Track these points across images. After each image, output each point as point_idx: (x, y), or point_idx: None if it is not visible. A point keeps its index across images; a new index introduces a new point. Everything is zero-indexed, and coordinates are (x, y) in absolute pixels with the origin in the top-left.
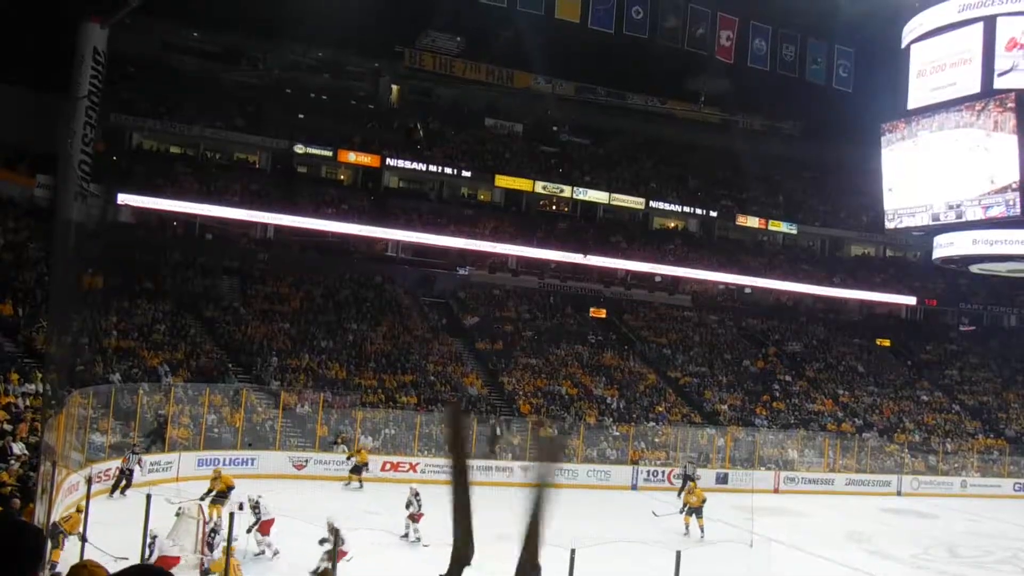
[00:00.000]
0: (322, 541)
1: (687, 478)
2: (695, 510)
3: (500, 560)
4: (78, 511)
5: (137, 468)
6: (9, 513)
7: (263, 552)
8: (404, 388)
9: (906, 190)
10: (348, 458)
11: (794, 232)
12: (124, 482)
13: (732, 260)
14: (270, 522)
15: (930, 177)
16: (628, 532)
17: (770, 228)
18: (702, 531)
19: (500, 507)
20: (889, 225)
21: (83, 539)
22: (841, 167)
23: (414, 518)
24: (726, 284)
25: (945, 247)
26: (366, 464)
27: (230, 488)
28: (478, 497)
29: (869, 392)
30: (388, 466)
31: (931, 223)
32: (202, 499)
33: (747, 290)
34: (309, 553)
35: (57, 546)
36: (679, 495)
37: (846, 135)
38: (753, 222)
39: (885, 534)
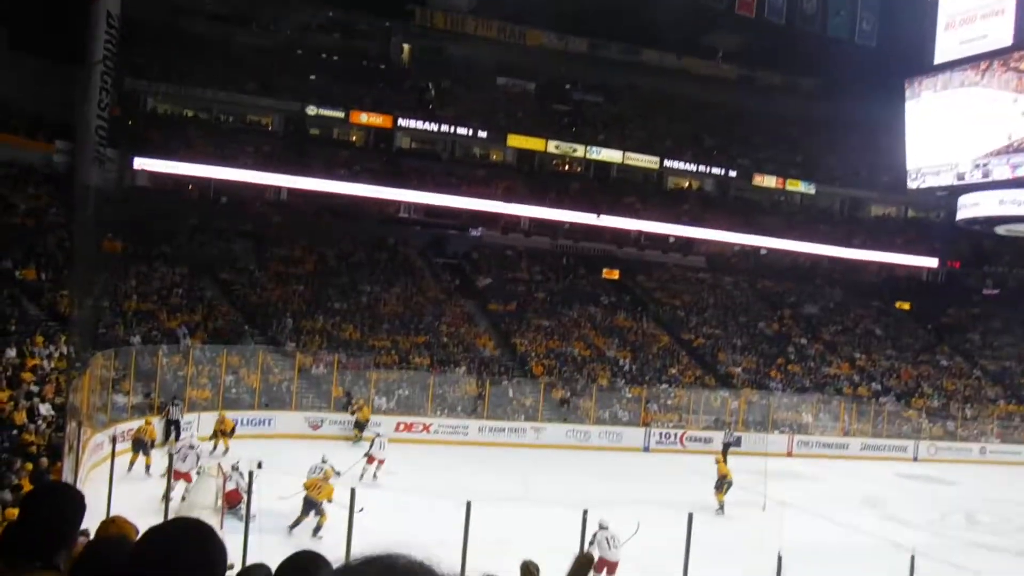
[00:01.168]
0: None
1: (726, 446)
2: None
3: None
4: (147, 423)
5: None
6: (40, 473)
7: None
8: (417, 349)
9: (930, 148)
10: (351, 414)
11: (812, 192)
12: (174, 432)
13: (748, 221)
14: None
15: (956, 135)
16: (640, 494)
17: (787, 188)
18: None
19: (510, 470)
20: (912, 184)
21: (109, 495)
22: (862, 125)
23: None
24: (742, 245)
25: (970, 208)
26: (367, 420)
27: (232, 430)
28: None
29: (887, 356)
30: (402, 427)
31: (956, 183)
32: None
33: (763, 251)
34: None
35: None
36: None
37: (868, 92)
38: (770, 182)
39: (901, 500)
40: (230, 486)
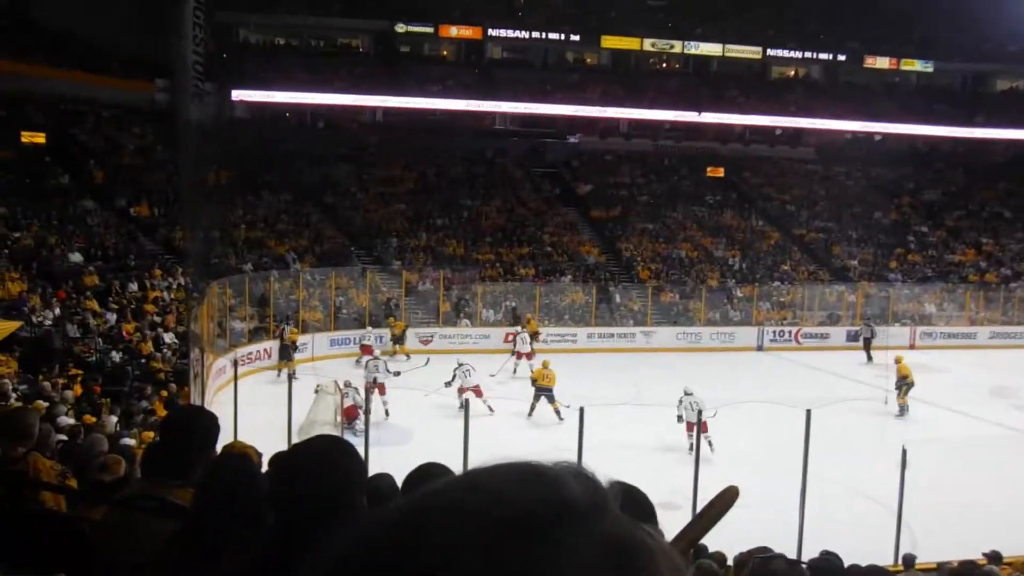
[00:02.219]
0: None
1: (866, 341)
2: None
3: None
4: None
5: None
6: (170, 398)
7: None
8: (522, 260)
9: None
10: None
11: (930, 70)
12: (287, 355)
13: (860, 106)
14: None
15: None
16: (756, 393)
17: (902, 68)
18: (901, 409)
19: (620, 376)
20: None
21: (235, 418)
22: None
23: (461, 391)
24: (853, 133)
25: None
26: (404, 333)
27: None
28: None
29: (1017, 239)
30: (510, 337)
31: None
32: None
33: (877, 138)
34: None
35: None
36: (867, 359)
37: None
38: (883, 63)
39: None
40: (347, 402)
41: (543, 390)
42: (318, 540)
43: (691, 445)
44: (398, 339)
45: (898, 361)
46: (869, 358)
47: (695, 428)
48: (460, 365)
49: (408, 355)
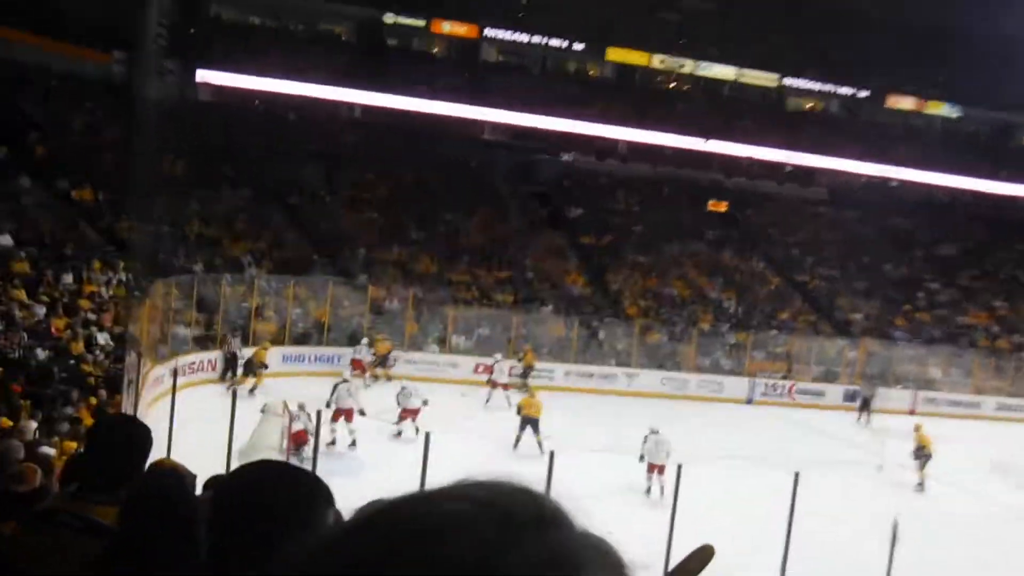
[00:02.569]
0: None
1: (865, 400)
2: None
3: None
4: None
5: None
6: (100, 406)
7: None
8: (500, 285)
9: None
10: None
11: (956, 116)
12: (231, 369)
13: (879, 148)
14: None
15: None
16: (742, 450)
17: (927, 111)
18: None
19: (597, 419)
20: None
21: (169, 434)
22: (1017, 39)
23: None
24: (870, 176)
25: None
26: (388, 354)
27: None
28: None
29: None
30: (481, 368)
31: None
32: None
33: (894, 183)
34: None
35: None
36: (859, 419)
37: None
38: (907, 103)
39: None
40: (297, 426)
41: (529, 420)
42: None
43: (648, 488)
44: (380, 361)
45: (917, 429)
46: (867, 420)
47: (655, 470)
48: (403, 388)
49: (389, 378)
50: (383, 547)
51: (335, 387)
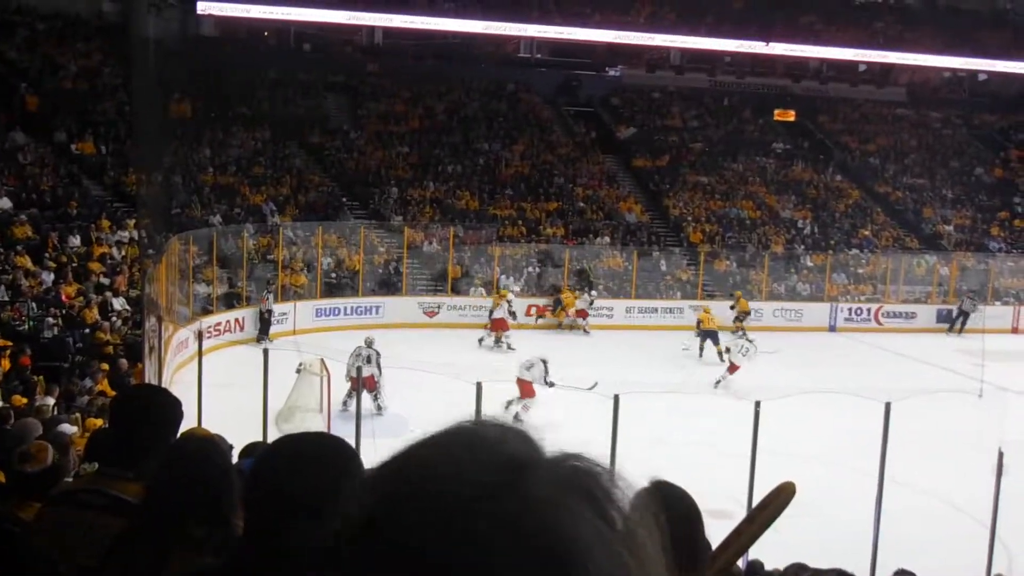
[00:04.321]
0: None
1: (963, 313)
2: None
3: None
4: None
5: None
6: (120, 376)
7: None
8: (549, 217)
9: None
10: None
11: None
12: (264, 330)
13: (963, 38)
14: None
15: None
16: (827, 381)
17: None
18: None
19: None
20: None
21: (199, 401)
22: None
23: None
24: (953, 70)
25: None
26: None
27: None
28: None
29: None
30: (534, 310)
31: None
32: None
33: (981, 77)
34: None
35: None
36: (953, 330)
37: None
38: None
39: None
40: (368, 370)
41: (708, 333)
42: (295, 554)
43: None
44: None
45: None
46: (960, 330)
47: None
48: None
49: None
50: (385, 510)
51: (359, 353)
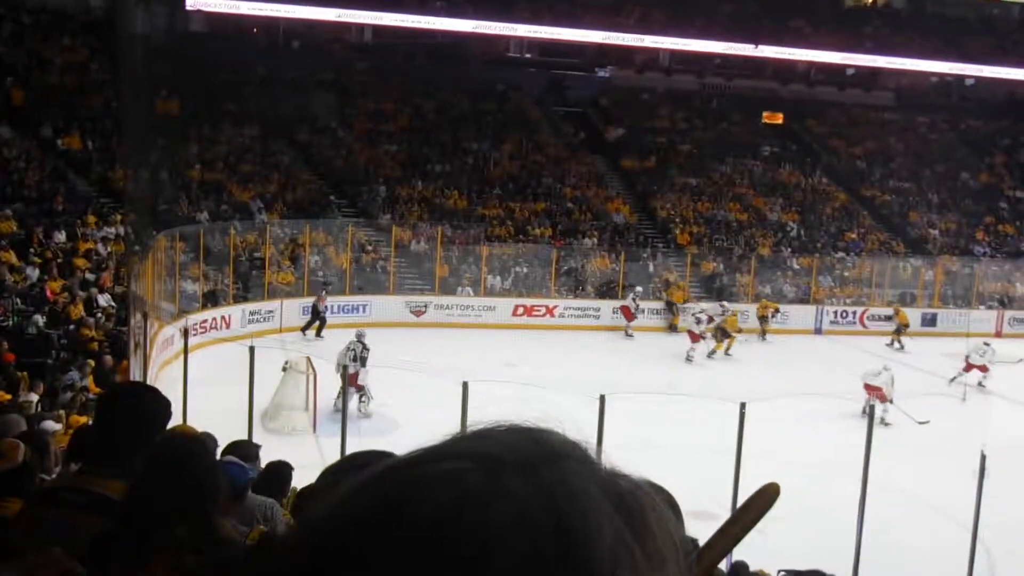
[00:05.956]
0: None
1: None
2: None
3: None
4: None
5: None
6: (105, 373)
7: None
8: (537, 218)
9: None
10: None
11: None
12: (318, 323)
13: (950, 44)
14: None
15: None
16: (812, 384)
17: None
18: None
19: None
20: None
21: (184, 398)
22: None
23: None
24: (941, 75)
25: None
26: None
27: None
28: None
29: None
30: (521, 310)
31: None
32: None
33: (969, 82)
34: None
35: None
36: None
37: None
38: None
39: None
40: (352, 368)
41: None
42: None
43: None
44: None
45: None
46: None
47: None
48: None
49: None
50: (371, 511)
51: (348, 347)
